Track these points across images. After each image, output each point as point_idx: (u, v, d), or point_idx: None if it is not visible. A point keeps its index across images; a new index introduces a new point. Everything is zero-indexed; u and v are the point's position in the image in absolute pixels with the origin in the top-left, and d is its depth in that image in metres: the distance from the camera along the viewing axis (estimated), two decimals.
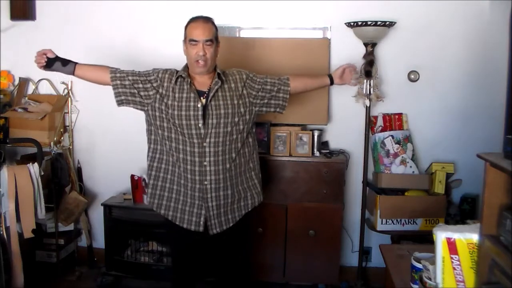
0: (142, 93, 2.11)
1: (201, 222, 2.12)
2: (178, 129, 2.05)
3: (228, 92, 2.11)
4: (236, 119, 2.10)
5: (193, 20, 2.09)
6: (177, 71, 2.13)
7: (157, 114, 2.08)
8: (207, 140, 2.05)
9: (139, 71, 2.17)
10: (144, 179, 2.88)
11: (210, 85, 2.09)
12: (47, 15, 3.17)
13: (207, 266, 2.38)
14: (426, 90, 2.94)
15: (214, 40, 2.07)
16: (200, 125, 2.04)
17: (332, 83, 2.31)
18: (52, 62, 2.08)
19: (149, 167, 2.19)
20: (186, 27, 2.10)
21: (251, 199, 2.24)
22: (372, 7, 2.85)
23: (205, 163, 2.06)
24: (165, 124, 2.08)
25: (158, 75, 2.13)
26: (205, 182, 2.08)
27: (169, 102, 2.06)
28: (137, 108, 2.16)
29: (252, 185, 2.25)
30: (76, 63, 2.13)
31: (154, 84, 2.11)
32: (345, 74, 2.29)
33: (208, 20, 2.10)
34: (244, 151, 2.18)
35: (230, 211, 2.18)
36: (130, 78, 2.13)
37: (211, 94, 2.06)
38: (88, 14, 3.14)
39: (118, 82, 2.11)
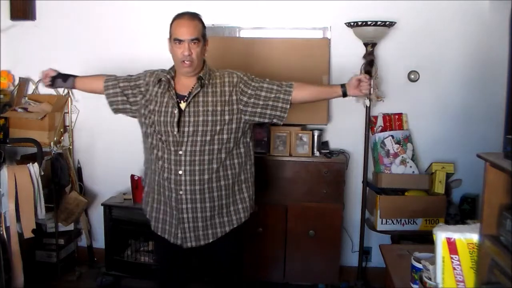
0: (131, 100, 2.07)
1: (178, 235, 1.99)
2: (158, 135, 1.95)
3: (212, 97, 1.93)
4: (218, 128, 1.92)
5: (178, 17, 1.93)
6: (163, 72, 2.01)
7: (143, 120, 2.01)
8: (183, 148, 1.91)
9: (132, 76, 2.11)
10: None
11: (192, 89, 1.94)
12: (47, 15, 3.18)
13: (192, 279, 2.22)
14: (426, 90, 2.94)
15: (201, 38, 1.90)
16: (175, 132, 1.91)
17: (345, 94, 1.98)
18: (54, 80, 2.15)
19: (144, 173, 2.17)
20: (171, 24, 1.94)
21: (236, 215, 2.04)
22: (372, 7, 2.85)
23: (180, 172, 1.92)
24: (149, 131, 1.99)
25: (145, 79, 2.05)
26: (180, 192, 1.94)
27: (151, 107, 1.98)
28: (133, 116, 2.12)
29: (241, 198, 2.06)
30: (75, 76, 2.16)
31: (142, 89, 2.04)
32: (362, 83, 1.95)
33: (194, 16, 1.91)
34: (232, 162, 2.00)
35: (210, 226, 2.01)
36: (121, 85, 2.08)
37: (189, 100, 1.92)
38: (88, 14, 3.14)
39: (111, 91, 2.09)
